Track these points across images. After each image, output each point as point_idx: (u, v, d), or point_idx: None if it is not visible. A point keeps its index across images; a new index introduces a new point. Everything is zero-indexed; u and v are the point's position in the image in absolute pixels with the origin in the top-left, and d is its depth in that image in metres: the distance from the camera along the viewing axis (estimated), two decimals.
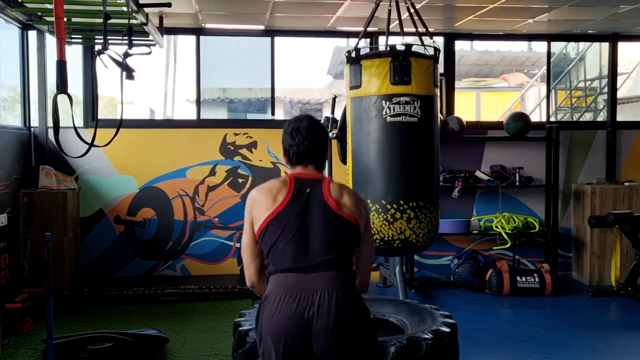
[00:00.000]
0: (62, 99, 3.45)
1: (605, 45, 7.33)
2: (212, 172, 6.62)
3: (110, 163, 6.47)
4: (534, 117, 9.96)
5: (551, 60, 7.61)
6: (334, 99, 6.41)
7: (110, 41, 3.96)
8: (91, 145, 3.70)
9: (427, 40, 4.62)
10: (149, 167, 6.53)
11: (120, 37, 4.59)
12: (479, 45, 12.59)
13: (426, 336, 3.18)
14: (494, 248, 6.59)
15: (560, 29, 6.77)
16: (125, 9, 4.40)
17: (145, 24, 5.09)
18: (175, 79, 11.50)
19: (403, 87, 4.36)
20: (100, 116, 6.52)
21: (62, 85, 3.38)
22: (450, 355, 3.28)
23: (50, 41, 6.09)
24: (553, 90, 10.68)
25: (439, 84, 4.75)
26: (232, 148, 6.64)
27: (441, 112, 6.59)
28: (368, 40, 6.72)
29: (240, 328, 3.24)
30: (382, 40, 6.43)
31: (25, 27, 6.02)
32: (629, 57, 10.24)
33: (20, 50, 6.16)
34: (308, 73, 14.45)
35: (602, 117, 9.87)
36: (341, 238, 2.33)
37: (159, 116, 11.31)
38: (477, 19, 6.16)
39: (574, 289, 6.45)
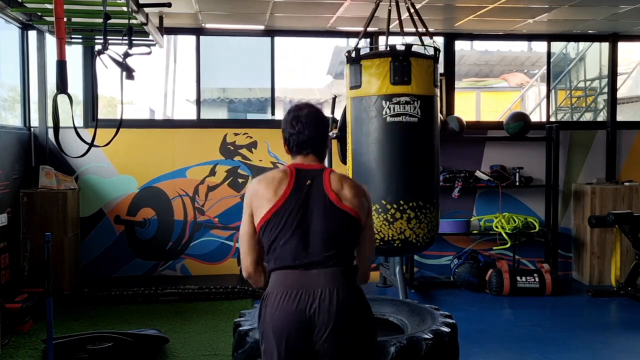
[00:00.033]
0: (62, 99, 3.45)
1: (605, 45, 7.33)
2: (212, 172, 6.62)
3: (110, 163, 6.47)
4: (534, 117, 9.96)
5: (551, 60, 7.61)
6: (334, 99, 6.41)
7: (110, 41, 3.96)
8: (91, 145, 3.70)
9: (427, 40, 4.62)
10: (149, 167, 6.53)
11: (120, 37, 4.59)
12: (479, 45, 12.61)
13: (426, 336, 3.18)
14: (494, 248, 6.59)
15: (560, 29, 6.77)
16: (125, 9, 4.40)
17: (145, 24, 5.09)
18: (175, 79, 11.51)
19: (403, 87, 4.36)
20: (100, 116, 6.52)
21: (62, 85, 3.38)
22: (450, 355, 3.28)
23: (50, 41, 6.09)
24: (553, 90, 10.68)
25: (439, 84, 4.75)
26: (232, 148, 6.64)
27: (441, 112, 6.59)
28: (368, 40, 6.72)
29: (240, 328, 3.24)
30: (382, 40, 6.43)
31: (25, 27, 6.02)
32: (629, 57, 10.24)
33: (20, 50, 6.16)
34: (308, 73, 14.47)
35: (602, 117, 9.87)
36: (342, 233, 2.32)
37: (159, 116, 11.31)
38: (477, 19, 6.16)
39: (574, 289, 6.45)
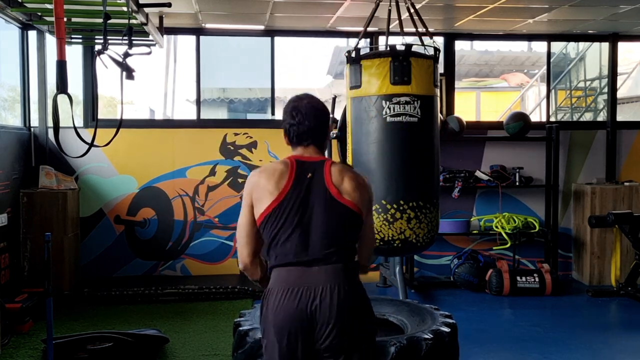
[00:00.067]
0: (62, 99, 3.44)
1: (605, 45, 7.33)
2: (212, 172, 6.62)
3: (110, 163, 6.47)
4: (534, 117, 9.96)
5: (551, 60, 7.61)
6: (334, 99, 6.41)
7: (110, 41, 3.96)
8: (91, 145, 3.70)
9: (427, 40, 4.61)
10: (149, 167, 6.53)
11: (120, 37, 4.59)
12: (479, 45, 12.61)
13: (426, 336, 3.18)
14: (494, 248, 6.59)
15: (560, 29, 6.77)
16: (125, 9, 4.40)
17: (145, 24, 5.09)
18: (175, 79, 11.51)
19: (403, 87, 4.36)
20: (100, 116, 6.52)
21: (62, 85, 3.38)
22: (450, 355, 3.28)
23: (50, 41, 6.09)
24: (553, 90, 10.68)
25: (439, 84, 4.75)
26: (232, 148, 6.64)
27: (441, 112, 6.59)
28: (368, 40, 6.72)
29: (240, 328, 3.24)
30: (382, 40, 6.43)
31: (25, 27, 6.02)
32: (629, 57, 10.25)
33: (20, 50, 6.16)
34: (308, 73, 14.46)
35: (602, 117, 9.87)
36: (343, 228, 2.30)
37: (159, 116, 11.31)
38: (477, 19, 6.16)
39: (574, 289, 6.45)
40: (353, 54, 4.52)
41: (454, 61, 6.97)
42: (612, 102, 7.14)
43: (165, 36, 6.21)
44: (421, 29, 4.65)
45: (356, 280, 2.34)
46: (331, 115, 6.07)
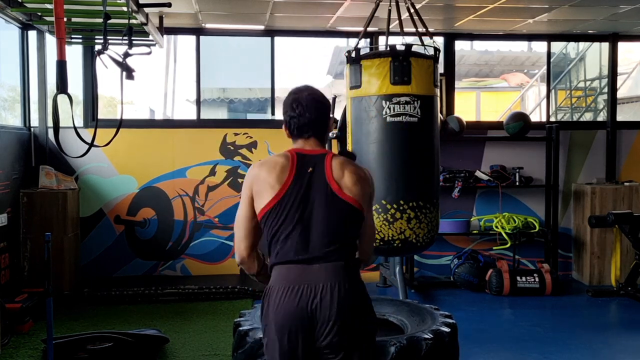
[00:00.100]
0: (62, 99, 3.44)
1: (605, 45, 7.33)
2: (212, 172, 6.62)
3: (110, 163, 6.47)
4: (534, 117, 9.96)
5: (551, 60, 7.61)
6: (334, 99, 6.40)
7: (110, 41, 3.96)
8: (91, 145, 3.70)
9: (427, 40, 4.61)
10: (149, 167, 6.53)
11: (120, 37, 4.58)
12: (479, 45, 12.62)
13: (426, 336, 3.17)
14: (494, 248, 6.59)
15: (560, 29, 6.77)
16: (125, 9, 4.40)
17: (145, 24, 5.09)
18: (175, 79, 11.51)
19: (403, 87, 4.36)
20: (100, 116, 6.52)
21: (62, 85, 3.38)
22: (450, 355, 3.28)
23: (50, 41, 6.09)
24: (553, 90, 10.68)
25: (439, 84, 4.75)
26: (232, 148, 6.64)
27: (441, 112, 6.59)
28: (368, 40, 6.72)
29: (240, 328, 3.24)
30: (382, 40, 6.43)
31: (25, 27, 6.02)
32: (629, 57, 10.25)
33: (20, 50, 6.16)
34: (308, 73, 14.44)
35: (602, 117, 9.87)
36: (344, 225, 2.29)
37: (159, 116, 11.31)
38: (477, 19, 6.16)
39: (574, 289, 6.45)
40: (353, 54, 4.52)
41: (454, 61, 6.97)
42: (612, 102, 7.14)
43: (165, 36, 6.21)
44: (421, 29, 4.65)
45: (357, 278, 2.33)
46: (331, 116, 6.13)
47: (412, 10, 4.66)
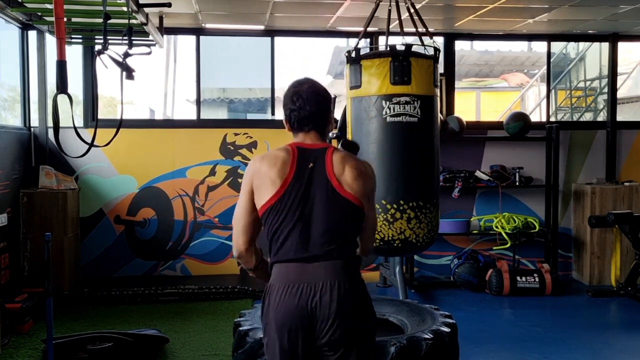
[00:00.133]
0: (62, 99, 3.44)
1: (605, 45, 7.33)
2: (212, 172, 6.62)
3: (110, 163, 6.47)
4: (534, 117, 9.96)
5: (551, 60, 7.61)
6: (334, 99, 6.38)
7: (110, 41, 3.96)
8: (91, 145, 3.70)
9: (427, 40, 4.61)
10: (149, 167, 6.53)
11: (120, 37, 4.58)
12: (479, 45, 12.61)
13: (426, 336, 3.17)
14: (494, 248, 6.59)
15: (560, 29, 6.77)
16: (125, 9, 4.40)
17: (145, 24, 5.09)
18: (175, 79, 11.51)
19: (403, 87, 4.36)
20: (100, 116, 6.52)
21: (62, 85, 3.38)
22: (450, 355, 3.28)
23: (50, 41, 6.09)
24: (553, 90, 10.68)
25: (439, 84, 4.75)
26: (232, 148, 6.64)
27: (441, 112, 6.59)
28: (368, 40, 6.72)
29: (240, 328, 3.24)
30: (382, 40, 6.43)
31: (25, 27, 6.02)
32: (629, 57, 10.25)
33: (20, 50, 6.16)
34: (308, 73, 14.40)
35: (602, 117, 9.87)
36: (344, 222, 2.28)
37: (159, 116, 11.31)
38: (477, 19, 6.16)
39: (574, 289, 6.45)
40: (353, 54, 4.52)
41: (454, 61, 6.97)
42: (612, 102, 7.14)
43: (165, 36, 6.21)
44: (421, 29, 4.65)
45: (357, 277, 2.32)
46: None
47: (412, 10, 4.66)
